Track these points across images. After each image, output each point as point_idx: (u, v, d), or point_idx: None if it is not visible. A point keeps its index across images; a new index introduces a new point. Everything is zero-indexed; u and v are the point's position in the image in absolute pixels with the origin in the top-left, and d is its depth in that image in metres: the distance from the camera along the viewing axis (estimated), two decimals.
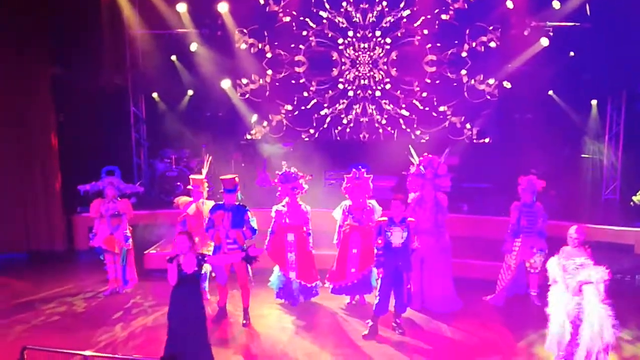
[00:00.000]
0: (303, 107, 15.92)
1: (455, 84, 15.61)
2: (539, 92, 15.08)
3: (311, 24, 15.58)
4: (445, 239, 10.20)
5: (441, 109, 15.68)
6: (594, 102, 15.02)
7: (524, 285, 10.42)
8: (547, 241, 10.08)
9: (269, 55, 15.74)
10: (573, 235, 7.60)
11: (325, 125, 15.97)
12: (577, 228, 7.66)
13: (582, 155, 15.32)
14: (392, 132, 15.85)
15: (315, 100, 15.88)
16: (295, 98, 15.89)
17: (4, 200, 13.03)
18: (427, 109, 15.70)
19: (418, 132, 15.78)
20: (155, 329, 9.13)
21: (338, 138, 16.01)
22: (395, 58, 15.65)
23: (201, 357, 7.41)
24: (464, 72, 15.48)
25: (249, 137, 16.17)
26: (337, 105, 15.87)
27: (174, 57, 15.70)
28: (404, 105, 15.73)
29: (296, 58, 15.74)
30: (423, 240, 9.59)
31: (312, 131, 16.00)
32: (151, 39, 15.46)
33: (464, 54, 15.41)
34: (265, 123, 16.02)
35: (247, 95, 15.91)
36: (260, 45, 15.70)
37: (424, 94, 15.66)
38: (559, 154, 14.85)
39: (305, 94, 15.88)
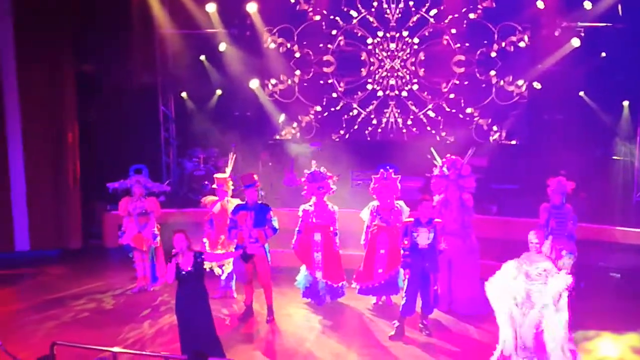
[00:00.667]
0: (333, 109, 15.86)
1: (483, 85, 15.46)
2: (569, 93, 14.91)
3: (341, 23, 15.52)
4: (472, 240, 10.13)
5: (468, 110, 15.54)
6: (625, 103, 14.80)
7: None
8: (576, 244, 9.96)
9: (297, 55, 15.71)
10: (533, 240, 7.46)
11: (356, 127, 15.88)
12: (537, 232, 7.55)
13: (613, 157, 15.11)
14: (419, 132, 15.70)
15: (344, 102, 15.80)
16: (324, 99, 15.84)
17: (34, 196, 13.23)
18: (453, 110, 15.56)
19: (444, 134, 15.64)
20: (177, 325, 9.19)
21: (369, 139, 15.91)
22: (423, 58, 15.54)
23: (211, 352, 7.37)
24: (492, 73, 15.33)
25: (278, 137, 16.15)
26: (368, 107, 15.74)
27: (203, 57, 15.80)
28: (430, 106, 15.60)
29: (325, 58, 15.68)
30: (450, 241, 9.51)
31: (342, 132, 15.92)
32: (181, 39, 15.58)
33: (493, 54, 15.26)
34: (295, 124, 15.99)
35: (276, 95, 15.89)
36: (289, 45, 15.68)
37: (452, 96, 15.54)
38: (589, 155, 14.62)
39: (335, 95, 15.81)
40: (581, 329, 9.04)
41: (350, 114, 15.81)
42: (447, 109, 15.53)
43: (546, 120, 15.44)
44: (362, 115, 15.77)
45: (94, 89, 14.13)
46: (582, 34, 14.55)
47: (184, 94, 16.31)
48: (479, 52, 15.27)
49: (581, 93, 15.05)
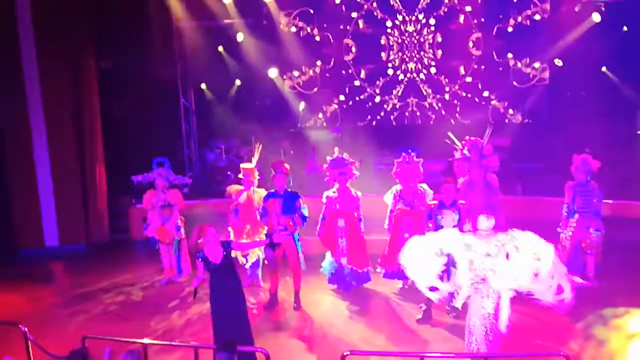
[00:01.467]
0: (357, 98, 15.74)
1: (500, 69, 15.28)
2: (591, 69, 14.74)
3: (362, 2, 15.33)
4: (500, 220, 10.02)
5: (485, 94, 15.38)
6: None
7: (580, 266, 10.20)
8: (603, 221, 9.87)
9: (317, 38, 15.56)
10: (483, 228, 7.39)
11: (382, 113, 15.77)
12: (487, 216, 7.44)
13: (637, 132, 14.94)
14: (436, 116, 15.61)
15: (368, 90, 15.68)
16: (347, 87, 15.74)
17: (61, 191, 13.40)
18: (468, 95, 15.41)
19: (458, 116, 15.50)
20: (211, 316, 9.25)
21: (394, 123, 15.82)
22: (440, 40, 15.38)
23: (243, 340, 7.27)
24: (510, 55, 15.15)
25: (304, 126, 16.08)
26: (391, 93, 15.63)
27: (221, 48, 15.83)
28: (447, 89, 15.47)
29: (345, 41, 15.55)
30: (476, 223, 9.45)
31: (369, 117, 15.82)
32: (198, 31, 15.65)
33: (510, 29, 15.04)
34: (320, 115, 15.93)
35: (298, 87, 15.78)
36: (309, 29, 15.54)
37: (468, 79, 15.37)
38: (613, 131, 14.48)
39: (357, 82, 15.70)
40: (610, 306, 9.02)
41: (376, 100, 15.70)
42: (463, 94, 15.40)
43: (569, 98, 15.29)
44: (390, 103, 15.65)
45: (116, 84, 14.26)
46: (603, 9, 14.36)
47: (203, 86, 16.38)
48: (495, 27, 15.05)
49: (603, 69, 14.89)
